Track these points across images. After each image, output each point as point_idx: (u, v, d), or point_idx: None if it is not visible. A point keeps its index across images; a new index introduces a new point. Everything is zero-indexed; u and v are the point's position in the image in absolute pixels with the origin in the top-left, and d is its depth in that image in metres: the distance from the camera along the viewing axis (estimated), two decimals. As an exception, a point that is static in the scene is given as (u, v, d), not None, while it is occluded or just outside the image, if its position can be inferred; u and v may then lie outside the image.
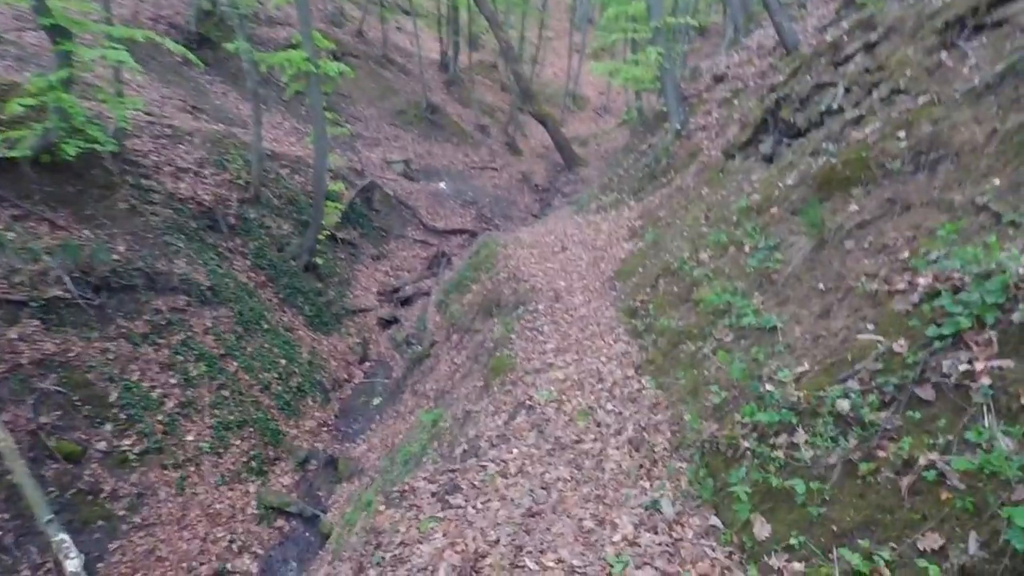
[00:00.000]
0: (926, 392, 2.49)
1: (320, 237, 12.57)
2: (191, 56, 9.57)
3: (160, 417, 8.46)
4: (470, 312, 10.85)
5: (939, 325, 2.60)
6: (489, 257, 11.86)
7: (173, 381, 8.99)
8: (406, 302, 14.32)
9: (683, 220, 7.56)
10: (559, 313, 7.72)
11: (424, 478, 4.09)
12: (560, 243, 11.03)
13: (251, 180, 12.13)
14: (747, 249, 4.74)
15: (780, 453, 2.77)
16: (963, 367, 2.41)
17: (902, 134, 3.73)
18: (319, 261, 12.61)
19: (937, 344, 2.58)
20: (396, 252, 15.82)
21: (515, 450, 4.32)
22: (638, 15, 11.88)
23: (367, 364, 12.57)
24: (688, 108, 12.07)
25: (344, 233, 14.70)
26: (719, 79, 11.95)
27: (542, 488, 3.60)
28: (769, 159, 6.34)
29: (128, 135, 10.82)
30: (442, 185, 17.94)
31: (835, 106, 5.35)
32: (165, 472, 8.16)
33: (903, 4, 5.18)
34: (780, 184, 4.96)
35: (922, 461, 2.30)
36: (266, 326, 10.96)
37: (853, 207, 3.73)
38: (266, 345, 10.68)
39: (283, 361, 10.76)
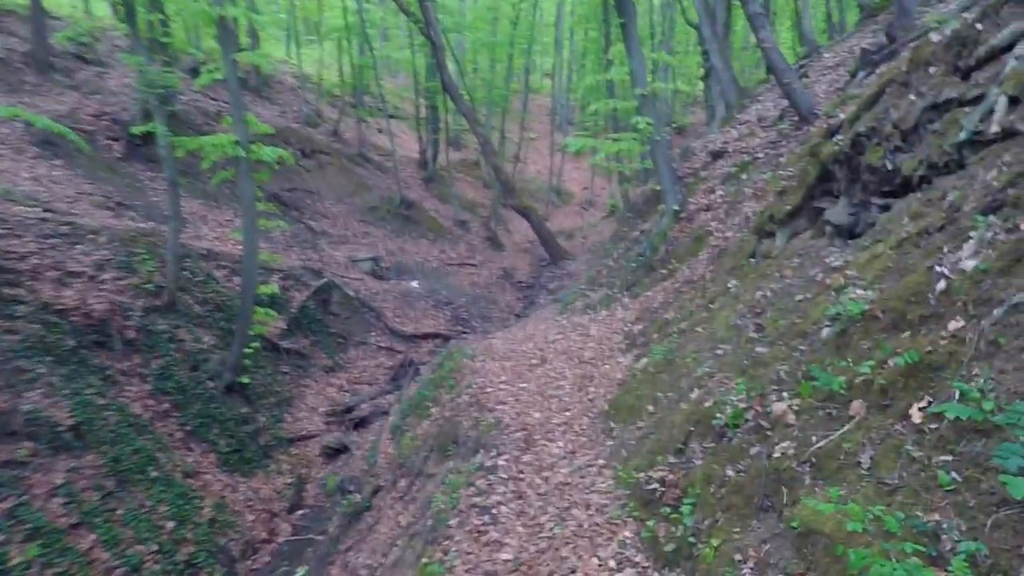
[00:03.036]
0: None
1: (249, 349, 9.70)
2: (75, 137, 7.33)
3: (-70, 645, 5.24)
4: (424, 447, 7.80)
5: None
6: (453, 371, 8.98)
7: (-25, 578, 5.81)
8: (360, 424, 11.19)
9: (708, 328, 4.79)
10: (528, 474, 4.74)
11: None
12: (539, 353, 8.21)
13: (166, 284, 9.49)
14: (916, 416, 1.95)
15: None
16: None
17: None
18: (245, 380, 9.66)
19: None
20: (355, 362, 12.90)
21: None
22: (617, 80, 9.97)
23: (300, 513, 9.24)
24: (684, 188, 9.78)
25: (291, 342, 11.86)
26: (718, 155, 9.77)
27: None
28: (850, 232, 3.72)
29: (2, 235, 8.34)
30: (414, 284, 15.41)
31: (993, 129, 2.79)
32: None
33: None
34: (952, 270, 2.26)
35: None
36: (154, 473, 7.83)
37: None
38: (149, 502, 7.50)
39: (170, 524, 7.52)
